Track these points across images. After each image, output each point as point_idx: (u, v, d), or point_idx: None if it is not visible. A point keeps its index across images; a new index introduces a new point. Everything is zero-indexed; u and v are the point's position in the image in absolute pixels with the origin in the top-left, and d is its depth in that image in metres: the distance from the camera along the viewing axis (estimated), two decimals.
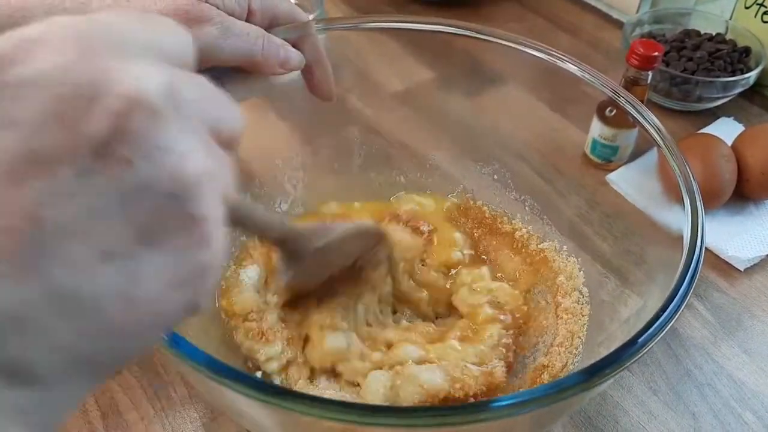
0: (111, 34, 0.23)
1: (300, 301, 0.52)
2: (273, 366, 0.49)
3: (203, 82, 0.25)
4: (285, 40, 0.45)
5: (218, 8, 0.42)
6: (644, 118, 0.51)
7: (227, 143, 0.25)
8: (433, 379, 0.47)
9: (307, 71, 0.48)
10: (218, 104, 0.25)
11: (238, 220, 0.38)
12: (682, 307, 0.38)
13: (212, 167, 0.23)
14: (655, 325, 0.37)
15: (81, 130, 0.20)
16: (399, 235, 0.56)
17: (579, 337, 0.52)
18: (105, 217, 0.20)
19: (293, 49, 0.46)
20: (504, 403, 0.33)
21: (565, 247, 0.60)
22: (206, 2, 0.42)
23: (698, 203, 0.44)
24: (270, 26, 0.46)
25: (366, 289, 0.52)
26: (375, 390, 0.47)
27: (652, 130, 0.50)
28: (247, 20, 0.45)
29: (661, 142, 0.49)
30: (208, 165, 0.23)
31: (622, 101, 0.53)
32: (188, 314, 0.23)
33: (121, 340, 0.22)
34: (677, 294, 0.39)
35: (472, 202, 0.64)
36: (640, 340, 0.36)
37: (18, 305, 0.19)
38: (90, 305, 0.20)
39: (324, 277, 0.50)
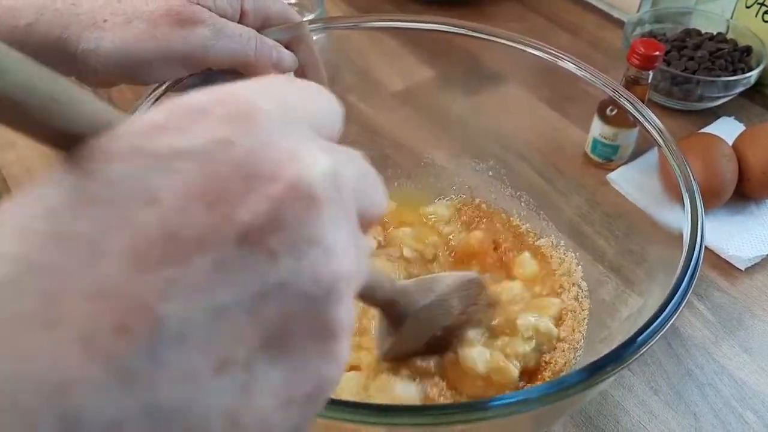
0: (275, 103, 0.20)
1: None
2: None
3: (360, 161, 0.22)
4: (277, 41, 0.45)
5: (210, 10, 0.42)
6: (644, 117, 0.50)
7: (367, 227, 0.22)
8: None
9: (300, 72, 0.48)
10: (372, 186, 0.22)
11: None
12: (682, 305, 0.38)
13: (356, 265, 0.20)
14: (655, 323, 0.37)
15: (231, 215, 0.17)
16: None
17: (580, 332, 0.52)
18: (232, 320, 0.17)
19: (286, 50, 0.46)
20: (504, 401, 0.33)
21: (562, 242, 0.60)
22: (198, 4, 0.42)
23: (698, 202, 0.44)
24: (263, 27, 0.46)
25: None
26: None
27: (652, 130, 0.50)
28: (240, 21, 0.45)
29: (661, 142, 0.49)
30: (353, 264, 0.20)
31: (622, 101, 0.52)
32: None
33: None
34: (677, 293, 0.38)
35: (477, 203, 0.64)
36: (639, 338, 0.36)
37: (113, 419, 0.16)
38: (192, 425, 0.17)
39: (423, 341, 0.45)
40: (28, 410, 0.15)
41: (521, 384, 0.49)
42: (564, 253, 0.59)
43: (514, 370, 0.47)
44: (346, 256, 0.19)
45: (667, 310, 0.37)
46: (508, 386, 0.48)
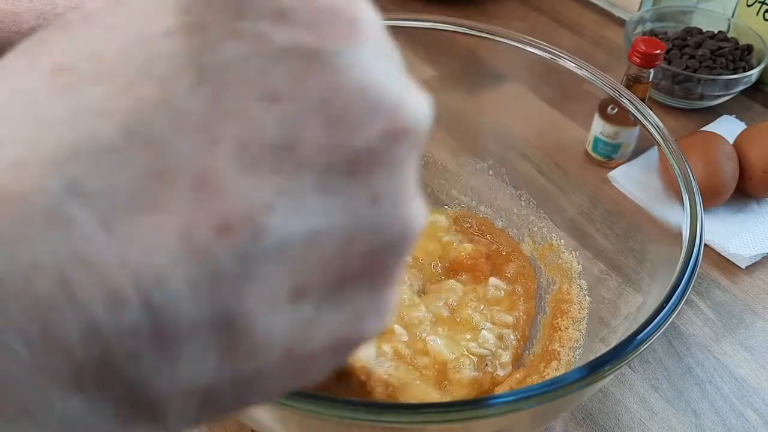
0: (388, 38, 0.18)
1: None
2: None
3: None
4: None
5: None
6: (644, 116, 0.51)
7: None
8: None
9: None
10: None
11: None
12: (681, 303, 0.38)
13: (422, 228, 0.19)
14: (654, 322, 0.37)
15: (348, 138, 0.16)
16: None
17: (579, 330, 0.53)
18: (322, 249, 0.16)
19: None
20: (503, 399, 0.33)
21: (563, 241, 0.60)
22: None
23: (697, 201, 0.44)
24: None
25: None
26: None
27: (652, 129, 0.50)
28: None
29: (661, 141, 0.49)
30: (424, 224, 0.19)
31: (623, 100, 0.53)
32: (315, 382, 0.19)
33: (254, 390, 0.18)
34: (676, 291, 0.39)
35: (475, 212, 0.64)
36: (638, 337, 0.36)
37: (188, 326, 0.15)
38: (255, 347, 0.16)
39: None
40: (118, 294, 0.14)
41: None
42: (564, 250, 0.59)
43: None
44: (423, 210, 0.19)
45: (666, 308, 0.38)
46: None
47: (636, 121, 0.51)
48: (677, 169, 0.46)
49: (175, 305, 0.15)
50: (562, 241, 0.60)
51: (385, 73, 0.17)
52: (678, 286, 0.39)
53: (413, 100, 0.17)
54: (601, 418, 0.54)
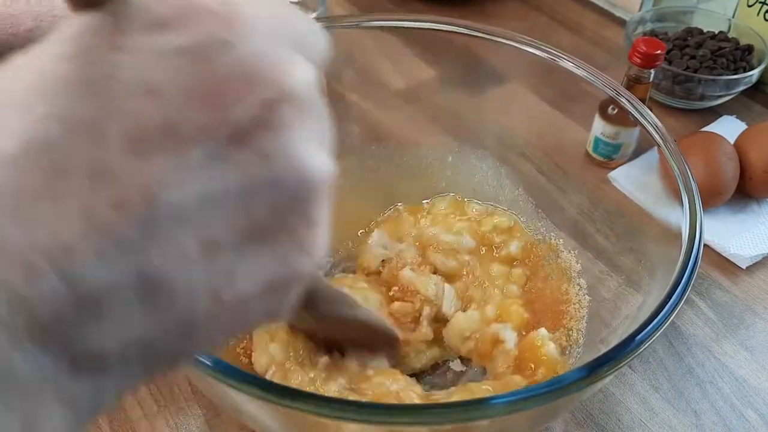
0: (274, 14, 0.21)
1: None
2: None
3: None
4: None
5: None
6: (644, 117, 0.51)
7: None
8: None
9: None
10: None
11: None
12: (681, 303, 0.38)
13: (330, 166, 0.22)
14: (654, 322, 0.37)
15: (226, 112, 0.19)
16: None
17: (578, 330, 0.53)
18: (221, 208, 0.19)
19: None
20: (504, 400, 0.33)
21: (561, 240, 0.60)
22: None
23: (696, 201, 0.44)
24: None
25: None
26: None
27: (651, 130, 0.50)
28: None
29: (660, 142, 0.49)
30: (331, 170, 0.21)
31: (622, 100, 0.53)
32: (265, 323, 0.22)
33: (194, 338, 0.20)
34: (675, 290, 0.39)
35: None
36: (637, 337, 0.36)
37: (104, 288, 0.18)
38: (179, 298, 0.19)
39: (325, 337, 0.48)
40: (32, 268, 0.17)
41: None
42: (563, 250, 0.59)
43: None
44: (328, 164, 0.21)
45: (665, 308, 0.38)
46: None
47: (635, 122, 0.52)
48: (676, 169, 0.46)
49: (87, 272, 0.17)
50: (561, 240, 0.60)
51: (261, 50, 0.20)
52: (677, 286, 0.39)
53: (292, 69, 0.20)
54: (601, 419, 0.54)
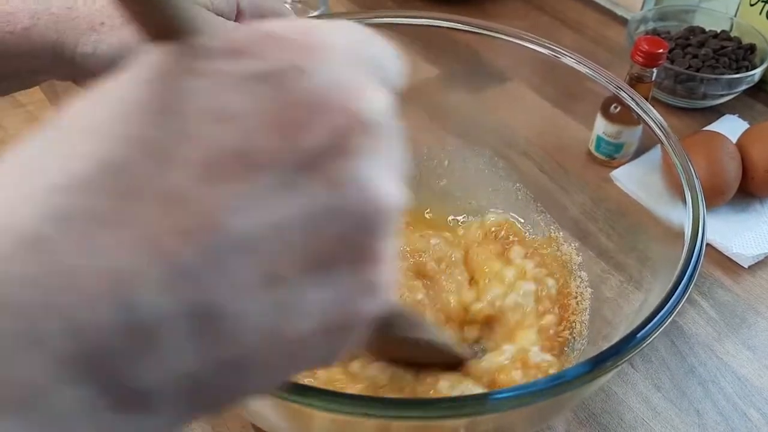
0: (346, 41, 0.21)
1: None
2: None
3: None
4: None
5: (207, 8, 0.42)
6: (648, 114, 0.51)
7: None
8: None
9: None
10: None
11: None
12: (682, 301, 0.38)
13: (402, 198, 0.21)
14: (654, 320, 0.37)
15: (297, 141, 0.18)
16: None
17: (582, 323, 0.53)
18: (287, 238, 0.18)
19: None
20: (506, 395, 0.33)
21: (561, 233, 0.60)
22: (195, 3, 0.41)
23: (700, 200, 0.44)
24: None
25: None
26: None
27: (655, 127, 0.50)
28: (236, 20, 0.44)
29: (664, 140, 0.49)
30: (400, 197, 0.21)
31: (625, 98, 0.52)
32: (320, 367, 0.21)
33: (247, 378, 0.19)
34: (677, 289, 0.39)
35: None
36: (638, 335, 0.36)
37: (161, 317, 0.17)
38: (234, 333, 0.18)
39: (388, 357, 0.47)
40: (92, 294, 0.16)
41: None
42: (563, 243, 0.59)
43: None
44: (395, 189, 0.20)
45: (667, 305, 0.38)
46: None
47: (638, 119, 0.51)
48: (679, 166, 0.46)
49: (148, 302, 0.17)
50: (560, 233, 0.60)
51: (336, 78, 0.20)
52: (679, 284, 0.39)
53: (366, 96, 0.20)
54: (603, 418, 0.54)
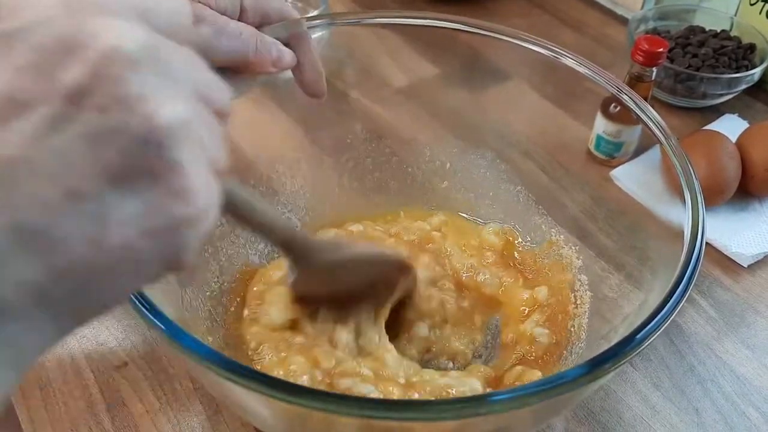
0: None
1: (311, 300, 0.50)
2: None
3: (190, 53, 0.26)
4: (276, 38, 0.45)
5: (211, 7, 0.42)
6: (647, 114, 0.51)
7: (218, 114, 0.26)
8: None
9: (297, 69, 0.47)
10: (205, 74, 0.26)
11: (236, 209, 0.37)
12: (682, 302, 0.38)
13: (194, 121, 0.24)
14: (655, 320, 0.37)
15: (57, 78, 0.21)
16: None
17: (581, 327, 0.53)
18: (72, 159, 0.21)
19: (285, 48, 0.45)
20: (506, 396, 0.33)
21: (562, 236, 0.60)
22: (199, 2, 0.41)
23: (699, 198, 0.44)
24: (261, 24, 0.45)
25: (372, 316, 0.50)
26: None
27: (654, 127, 0.50)
28: (239, 19, 0.44)
29: (663, 139, 0.49)
30: (188, 116, 0.23)
31: (624, 98, 0.53)
32: (168, 268, 0.24)
33: (92, 282, 0.22)
34: (677, 289, 0.39)
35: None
36: (637, 336, 0.36)
37: None
38: (57, 244, 0.21)
39: (334, 290, 0.49)
40: None
41: None
42: (564, 246, 0.59)
43: None
44: (176, 109, 0.23)
45: (666, 306, 0.38)
46: None
47: (637, 119, 0.51)
48: (679, 166, 0.46)
49: None
50: (561, 236, 0.60)
51: (81, 18, 0.23)
52: (679, 284, 0.39)
53: (110, 31, 0.22)
54: (602, 416, 0.54)
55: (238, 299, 0.54)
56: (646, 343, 0.36)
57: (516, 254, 0.61)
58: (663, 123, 0.50)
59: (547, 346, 0.52)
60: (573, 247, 0.59)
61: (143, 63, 0.23)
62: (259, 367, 0.48)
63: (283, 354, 0.48)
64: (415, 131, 0.67)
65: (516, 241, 0.62)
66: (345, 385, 0.45)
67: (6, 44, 0.22)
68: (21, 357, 0.22)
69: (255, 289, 0.54)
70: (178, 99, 0.23)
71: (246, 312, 0.52)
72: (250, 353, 0.49)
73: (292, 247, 0.44)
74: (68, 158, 0.21)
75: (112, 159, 0.22)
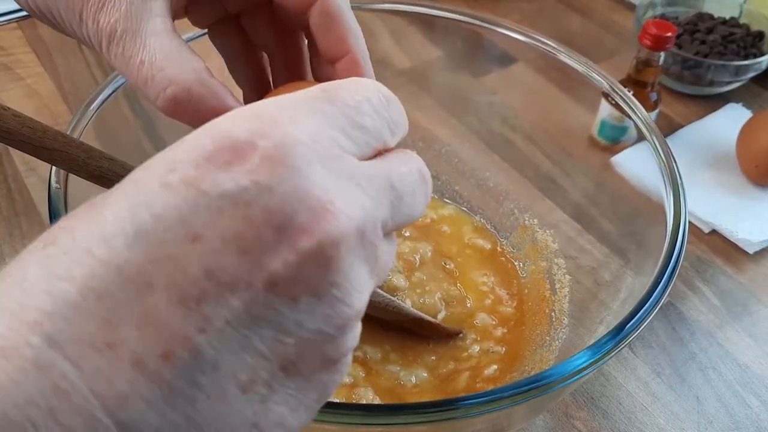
0: (316, 127, 0.22)
1: None
2: None
3: (407, 166, 0.26)
4: None
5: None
6: (635, 111, 0.52)
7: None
8: None
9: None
10: (414, 199, 0.25)
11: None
12: (668, 288, 0.39)
13: (365, 303, 0.22)
14: (645, 306, 0.38)
15: (262, 262, 0.19)
16: None
17: (561, 311, 0.54)
18: (256, 351, 0.20)
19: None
20: (502, 395, 0.33)
21: (536, 221, 0.61)
22: None
23: (681, 198, 0.45)
24: None
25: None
26: None
27: (641, 124, 0.51)
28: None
29: (647, 135, 0.50)
30: (364, 301, 0.22)
31: (616, 96, 0.54)
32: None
33: None
34: (658, 286, 0.40)
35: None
36: (620, 334, 0.37)
37: (158, 428, 0.19)
38: None
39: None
40: (90, 416, 0.18)
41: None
42: (538, 230, 0.60)
43: None
44: (359, 296, 0.21)
45: (647, 303, 0.39)
46: None
47: (627, 116, 0.52)
48: (661, 164, 0.48)
49: (137, 420, 0.18)
50: (535, 220, 0.60)
51: (302, 191, 0.20)
52: (659, 282, 0.40)
53: (329, 215, 0.20)
54: (602, 402, 0.54)
55: None
56: (630, 339, 0.37)
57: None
58: (650, 120, 0.51)
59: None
60: (547, 231, 0.60)
61: (349, 255, 0.21)
62: None
63: None
64: (417, 113, 0.66)
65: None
66: None
67: (210, 209, 0.19)
68: None
69: None
70: (365, 286, 0.22)
71: None
72: None
73: None
74: (252, 351, 0.20)
75: (291, 350, 0.20)
